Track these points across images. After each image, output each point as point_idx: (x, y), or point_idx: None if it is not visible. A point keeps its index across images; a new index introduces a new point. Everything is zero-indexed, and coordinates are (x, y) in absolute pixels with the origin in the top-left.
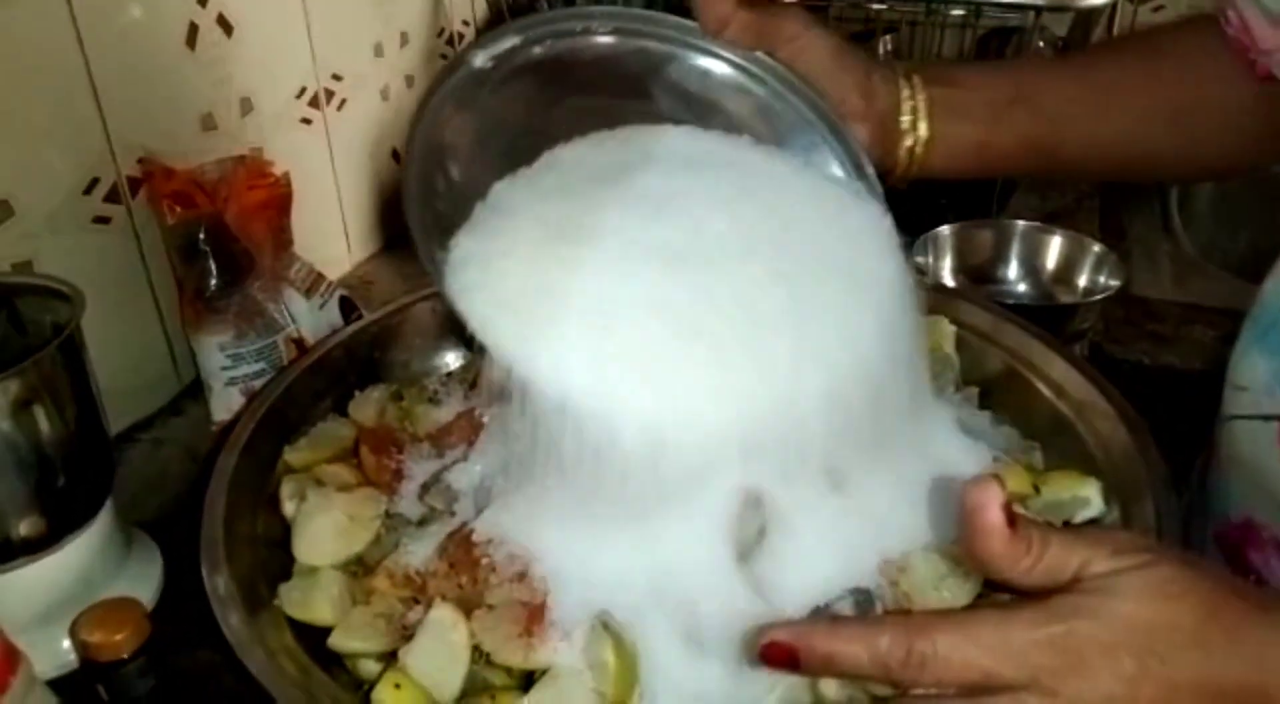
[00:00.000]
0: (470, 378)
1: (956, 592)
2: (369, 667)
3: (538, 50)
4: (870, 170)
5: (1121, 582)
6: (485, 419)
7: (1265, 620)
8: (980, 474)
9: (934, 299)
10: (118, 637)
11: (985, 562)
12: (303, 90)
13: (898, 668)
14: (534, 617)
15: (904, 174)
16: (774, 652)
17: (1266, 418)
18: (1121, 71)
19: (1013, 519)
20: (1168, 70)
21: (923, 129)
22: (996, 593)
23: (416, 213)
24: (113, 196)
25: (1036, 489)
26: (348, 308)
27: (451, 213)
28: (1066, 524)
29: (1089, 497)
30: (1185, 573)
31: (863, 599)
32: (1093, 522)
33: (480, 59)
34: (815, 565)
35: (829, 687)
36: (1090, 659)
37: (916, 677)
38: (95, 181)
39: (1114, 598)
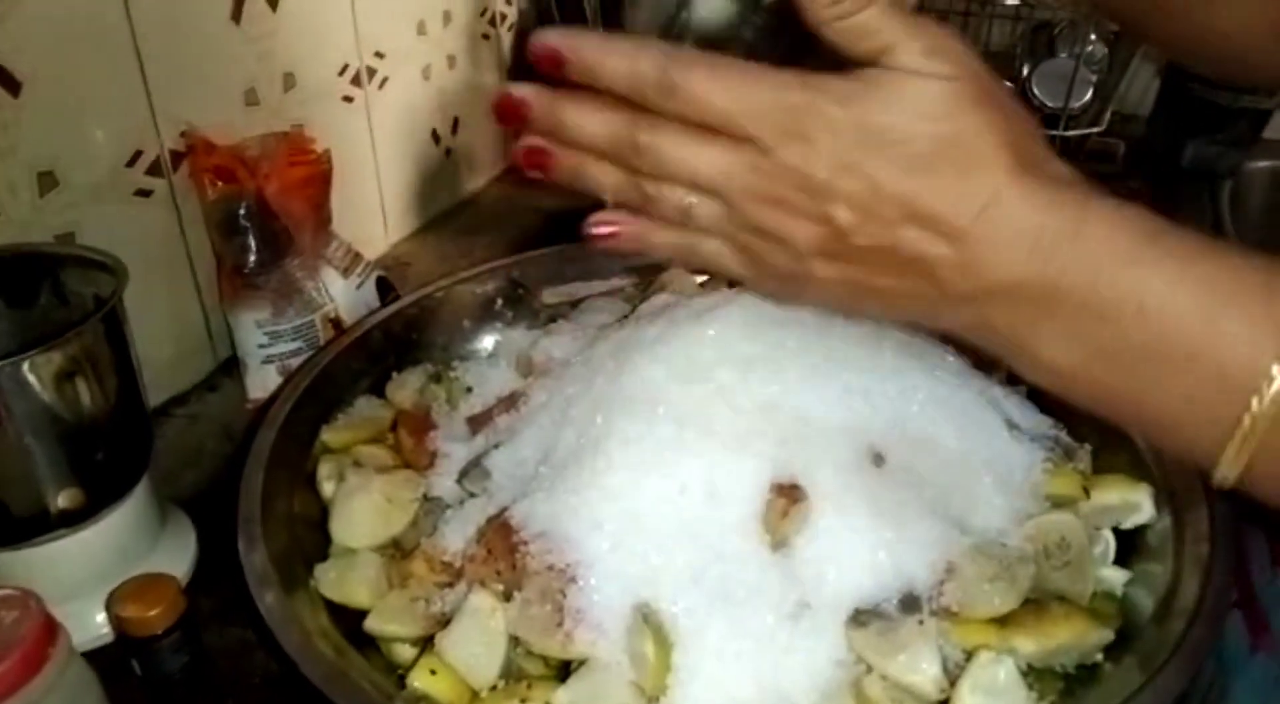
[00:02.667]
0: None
1: (1005, 594)
2: (404, 651)
3: None
4: None
5: (908, 88)
6: (525, 404)
7: (1057, 201)
8: None
9: None
10: (152, 612)
11: None
12: (345, 67)
13: (651, 90)
14: (571, 607)
15: None
16: (543, 53)
17: None
18: None
19: None
20: None
21: None
22: (1045, 601)
23: None
24: (155, 170)
25: (1086, 492)
26: (385, 288)
27: None
28: (1116, 530)
29: (1139, 502)
30: (980, 109)
31: (908, 600)
32: (1143, 528)
33: None
34: (856, 563)
35: (873, 686)
36: (815, 135)
37: (661, 103)
38: (138, 154)
39: (885, 100)
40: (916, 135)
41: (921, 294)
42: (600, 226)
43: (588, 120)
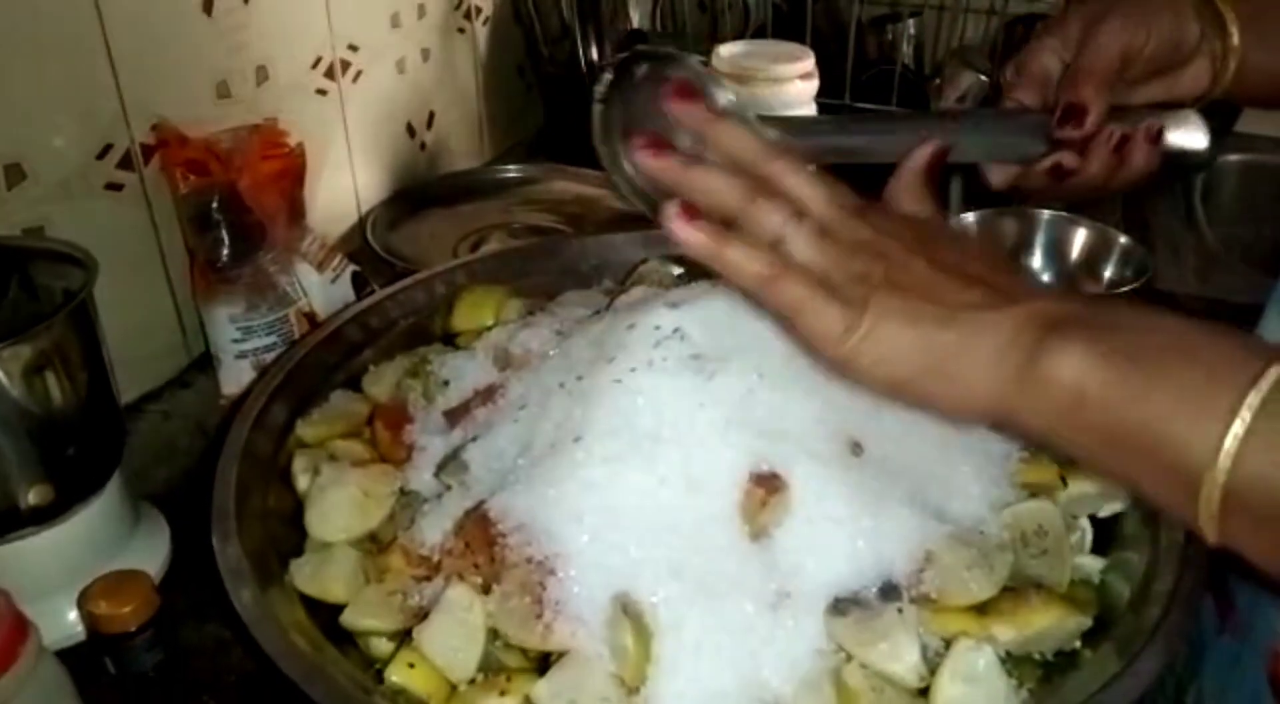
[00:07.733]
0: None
1: (983, 582)
2: (381, 645)
3: None
4: None
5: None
6: (503, 397)
7: None
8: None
9: None
10: (126, 609)
11: None
12: (319, 60)
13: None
14: (550, 599)
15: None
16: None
17: None
18: None
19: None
20: None
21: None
22: (1023, 588)
23: None
24: (126, 163)
25: (1063, 481)
26: (360, 283)
27: None
28: (1093, 518)
29: (1116, 490)
30: None
31: (887, 588)
32: (1117, 516)
33: None
34: (835, 552)
35: (853, 675)
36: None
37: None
38: (109, 147)
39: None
40: None
41: (977, 303)
42: (680, 219)
43: (734, 141)
